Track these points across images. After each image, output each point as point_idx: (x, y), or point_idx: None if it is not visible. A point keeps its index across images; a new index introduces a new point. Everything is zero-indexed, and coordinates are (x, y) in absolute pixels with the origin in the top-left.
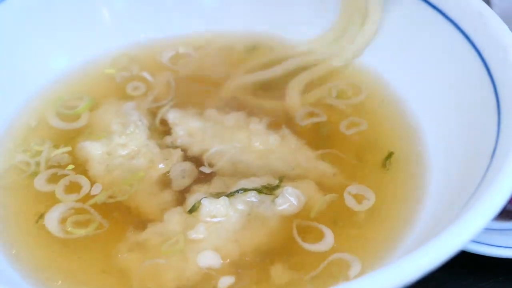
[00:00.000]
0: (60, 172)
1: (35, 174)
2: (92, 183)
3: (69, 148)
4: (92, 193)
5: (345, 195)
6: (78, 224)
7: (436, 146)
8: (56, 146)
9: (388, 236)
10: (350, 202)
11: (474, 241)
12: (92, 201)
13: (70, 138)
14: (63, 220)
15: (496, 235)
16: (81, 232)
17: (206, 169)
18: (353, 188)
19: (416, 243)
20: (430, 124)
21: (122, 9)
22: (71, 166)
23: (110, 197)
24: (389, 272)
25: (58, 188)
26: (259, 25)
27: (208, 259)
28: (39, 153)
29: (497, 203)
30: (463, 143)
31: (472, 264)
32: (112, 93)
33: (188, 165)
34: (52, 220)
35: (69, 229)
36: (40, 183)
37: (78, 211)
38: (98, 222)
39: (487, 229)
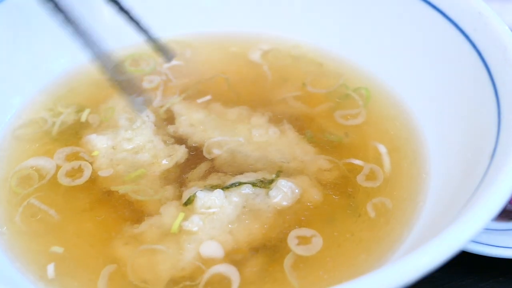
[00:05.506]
0: (83, 154)
1: (47, 132)
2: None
3: (88, 111)
4: (101, 174)
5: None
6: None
7: (436, 145)
8: (80, 111)
9: (389, 236)
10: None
11: (474, 241)
12: (118, 188)
13: (97, 101)
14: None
15: (496, 235)
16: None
17: (207, 155)
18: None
19: (416, 243)
20: (430, 124)
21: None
22: (96, 153)
23: (135, 192)
24: (389, 272)
25: (63, 169)
26: (259, 25)
27: (210, 249)
28: (60, 114)
29: (497, 203)
30: (463, 143)
31: (472, 264)
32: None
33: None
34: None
35: (13, 183)
36: (60, 158)
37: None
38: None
39: (487, 229)
